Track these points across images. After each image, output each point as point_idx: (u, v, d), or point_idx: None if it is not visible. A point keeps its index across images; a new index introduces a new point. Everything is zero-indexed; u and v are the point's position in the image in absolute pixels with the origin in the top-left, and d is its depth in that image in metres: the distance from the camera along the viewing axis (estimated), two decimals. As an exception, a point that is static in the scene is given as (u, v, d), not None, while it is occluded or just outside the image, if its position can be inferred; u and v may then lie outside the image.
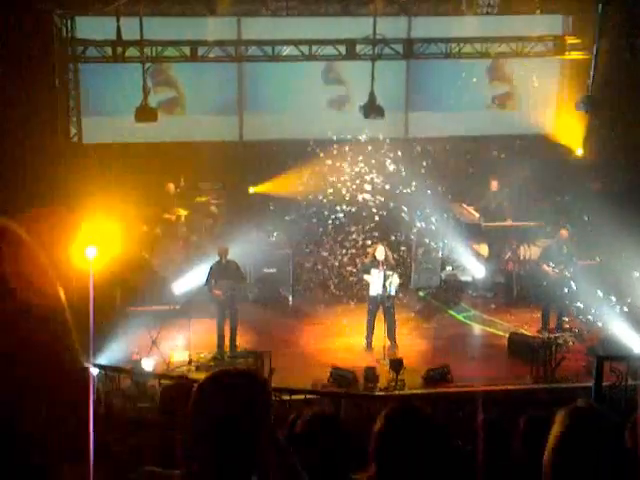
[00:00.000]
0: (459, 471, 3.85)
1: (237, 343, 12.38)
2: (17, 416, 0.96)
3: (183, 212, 15.40)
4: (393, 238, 14.75)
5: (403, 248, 14.87)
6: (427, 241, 15.08)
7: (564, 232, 13.33)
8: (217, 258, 12.51)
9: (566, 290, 12.82)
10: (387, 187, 15.10)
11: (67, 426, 1.03)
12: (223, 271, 12.41)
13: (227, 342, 12.29)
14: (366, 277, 12.56)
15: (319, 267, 15.14)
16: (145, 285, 13.36)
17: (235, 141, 16.46)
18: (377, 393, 10.82)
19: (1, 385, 0.95)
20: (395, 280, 12.51)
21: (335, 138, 15.12)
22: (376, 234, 14.67)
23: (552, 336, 12.23)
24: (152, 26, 13.71)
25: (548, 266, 13.12)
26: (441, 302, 14.56)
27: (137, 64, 13.65)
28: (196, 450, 2.22)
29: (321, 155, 15.17)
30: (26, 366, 0.96)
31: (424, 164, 15.28)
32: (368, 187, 15.13)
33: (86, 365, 1.13)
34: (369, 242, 14.37)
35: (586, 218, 14.38)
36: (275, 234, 14.93)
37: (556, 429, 2.29)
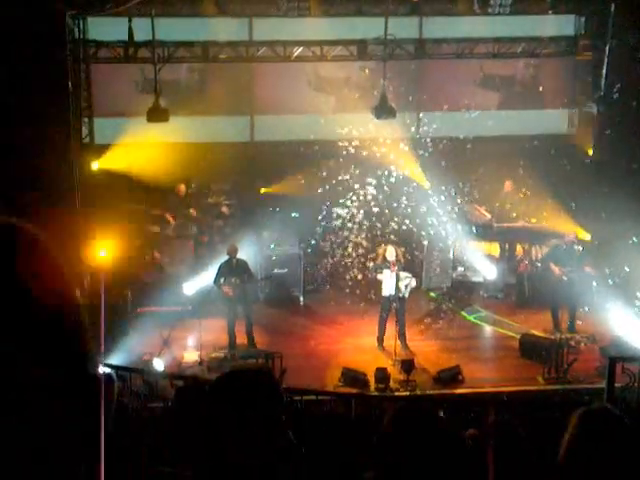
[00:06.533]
0: (467, 471, 3.84)
1: (254, 336, 12.39)
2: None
3: (194, 213, 15.41)
4: (404, 238, 14.68)
5: (414, 248, 14.82)
6: (438, 241, 15.02)
7: (575, 234, 13.26)
8: (227, 257, 12.54)
9: (577, 291, 12.74)
10: (398, 187, 15.07)
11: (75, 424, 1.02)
12: (232, 270, 12.44)
13: (239, 341, 12.32)
14: (379, 277, 12.51)
15: (330, 267, 15.12)
16: (156, 285, 13.39)
17: (246, 142, 16.47)
18: (388, 394, 10.80)
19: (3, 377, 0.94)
20: (412, 283, 12.49)
21: (346, 139, 15.11)
22: (386, 234, 14.64)
23: (564, 337, 12.17)
24: (164, 27, 13.74)
25: (555, 265, 13.04)
26: (452, 303, 14.51)
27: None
28: (208, 449, 2.22)
29: (332, 156, 15.17)
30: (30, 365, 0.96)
31: (436, 164, 15.25)
32: (379, 187, 15.11)
33: (98, 372, 1.12)
34: (380, 242, 14.33)
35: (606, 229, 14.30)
36: (278, 233, 14.91)
37: (570, 431, 2.27)
